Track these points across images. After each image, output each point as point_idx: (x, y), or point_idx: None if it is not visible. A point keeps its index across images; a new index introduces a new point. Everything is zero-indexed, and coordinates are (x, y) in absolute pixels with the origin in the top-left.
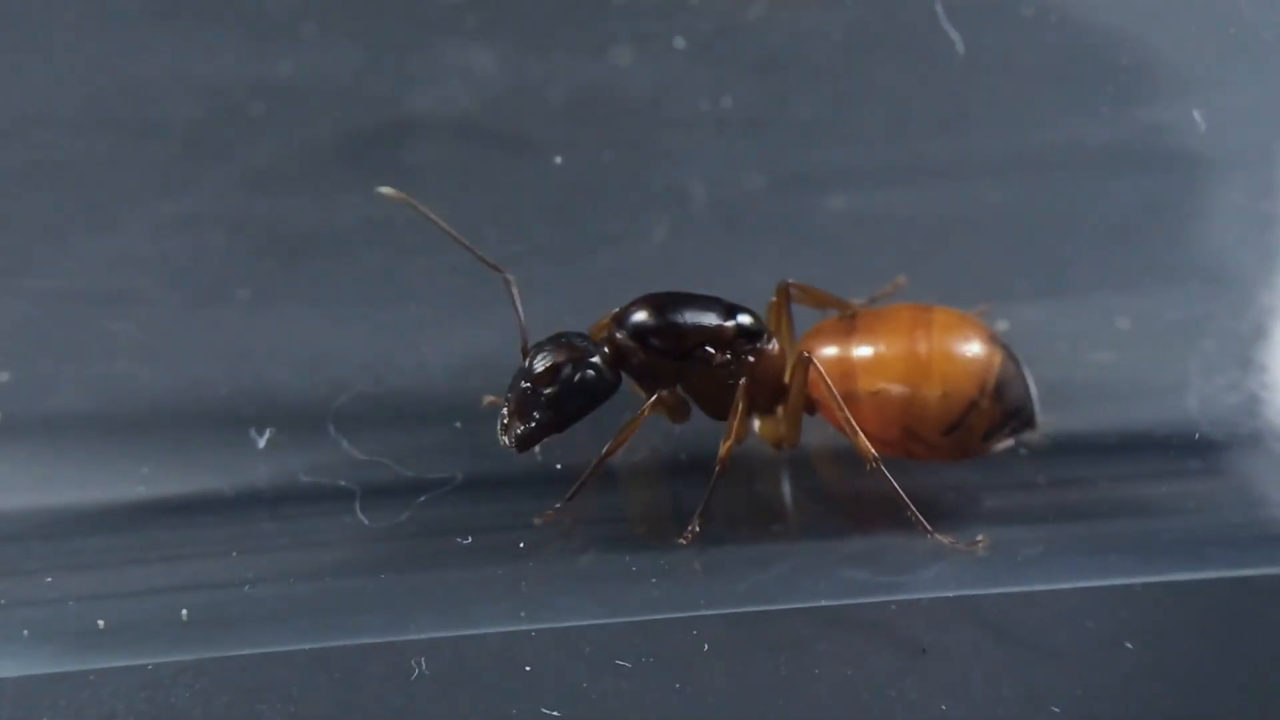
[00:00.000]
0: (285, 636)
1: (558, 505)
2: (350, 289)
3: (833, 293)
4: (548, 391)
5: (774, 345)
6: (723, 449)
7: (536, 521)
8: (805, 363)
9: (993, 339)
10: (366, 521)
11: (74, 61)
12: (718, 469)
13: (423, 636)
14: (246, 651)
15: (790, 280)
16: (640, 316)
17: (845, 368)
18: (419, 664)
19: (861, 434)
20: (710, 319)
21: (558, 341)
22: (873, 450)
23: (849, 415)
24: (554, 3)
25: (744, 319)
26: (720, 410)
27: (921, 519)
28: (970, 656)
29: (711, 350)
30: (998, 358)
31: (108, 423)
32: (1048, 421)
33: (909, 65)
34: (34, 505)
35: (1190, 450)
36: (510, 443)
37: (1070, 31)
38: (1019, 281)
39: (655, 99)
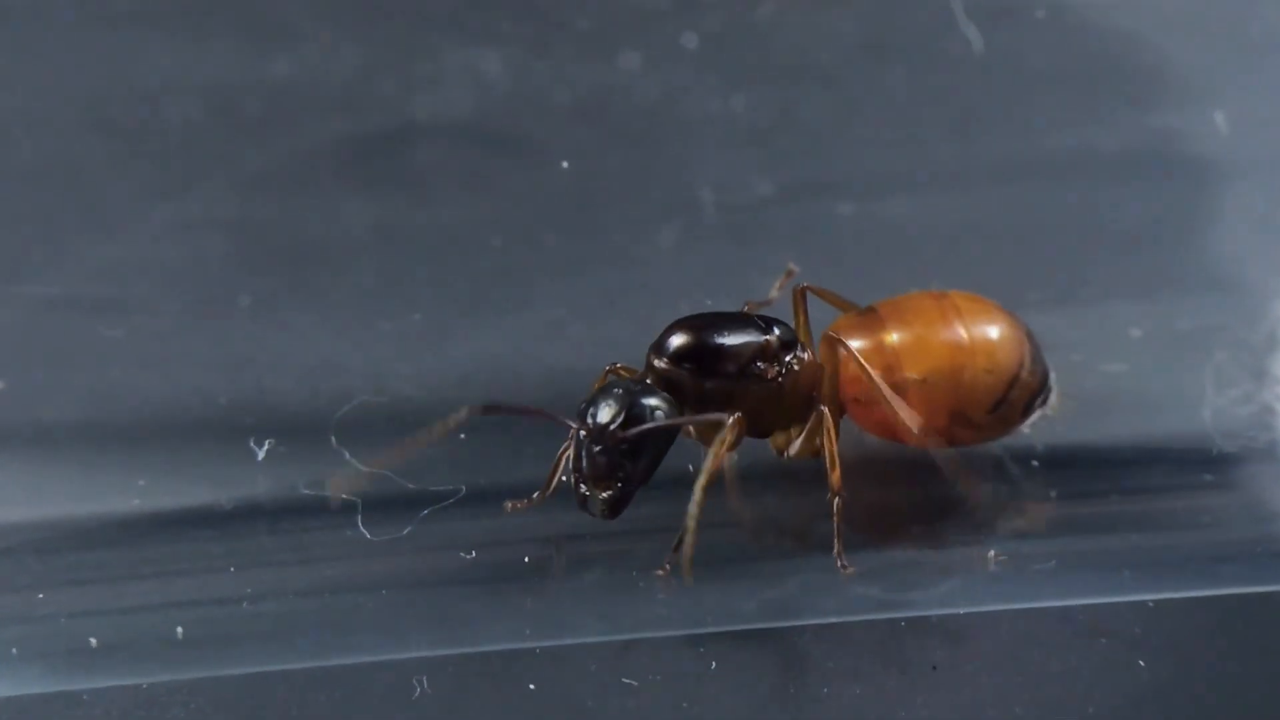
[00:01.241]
0: (284, 655)
1: (666, 564)
2: (354, 297)
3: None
4: (624, 445)
5: (808, 353)
6: (834, 477)
7: (659, 572)
8: (834, 344)
9: (1010, 312)
10: (368, 535)
11: (71, 63)
12: (837, 502)
13: (425, 654)
14: (244, 670)
15: (806, 283)
16: (687, 342)
17: (887, 360)
18: (420, 683)
19: (908, 413)
20: (754, 334)
21: (609, 393)
22: (918, 429)
23: (895, 397)
24: (561, 5)
25: (779, 330)
26: (768, 427)
27: (977, 498)
28: (981, 674)
29: (762, 365)
30: (1024, 329)
31: (102, 433)
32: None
33: (920, 69)
34: (25, 518)
35: (1203, 463)
36: (600, 512)
37: (1084, 35)
38: (1031, 290)
39: (664, 104)
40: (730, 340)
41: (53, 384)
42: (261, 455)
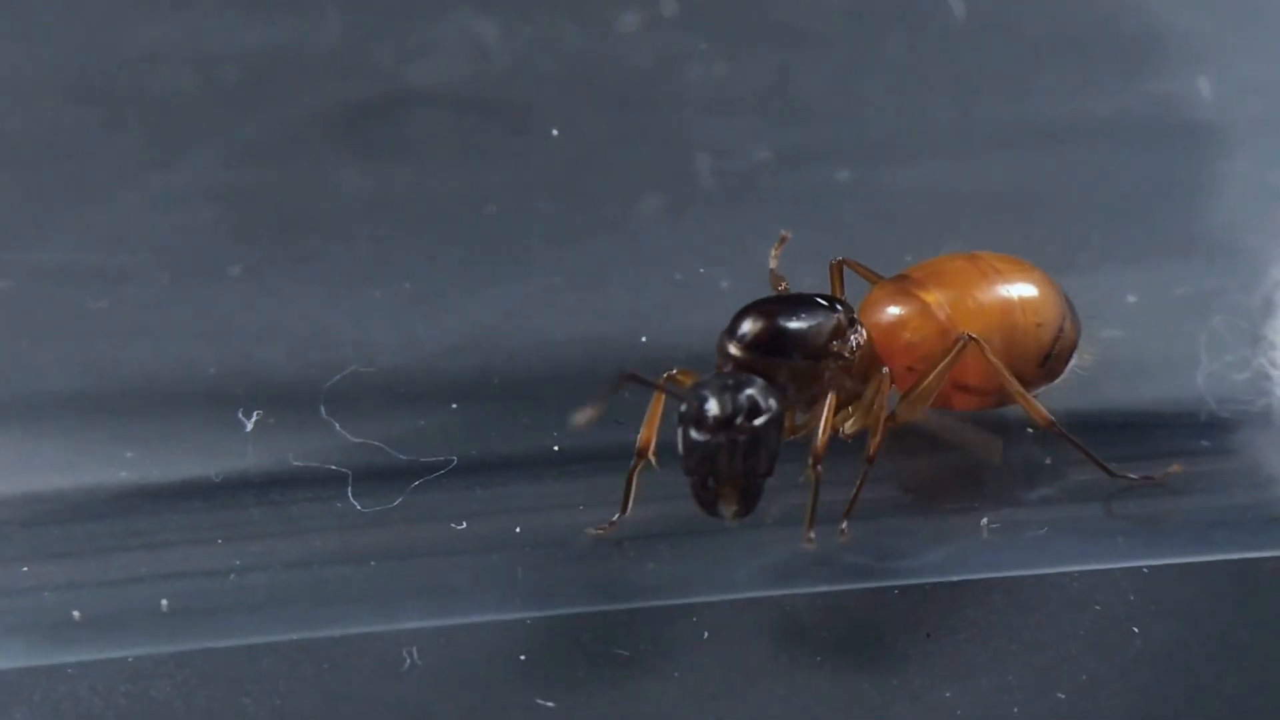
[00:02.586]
0: (272, 627)
1: (811, 535)
2: (344, 266)
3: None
4: (747, 438)
5: (863, 330)
6: (874, 444)
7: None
8: (965, 341)
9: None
10: (359, 506)
11: (59, 30)
12: (865, 469)
13: (414, 626)
14: (231, 643)
15: (844, 257)
16: (766, 327)
17: (940, 324)
18: (410, 654)
19: (1027, 395)
20: (825, 312)
21: (719, 388)
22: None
23: (1009, 378)
24: None
25: (841, 307)
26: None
27: (1105, 465)
28: (974, 642)
29: (838, 344)
30: (1056, 283)
31: (89, 405)
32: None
33: (917, 35)
34: (10, 491)
35: (1199, 429)
36: (736, 515)
37: (1081, 1)
38: (1026, 257)
39: (659, 70)
40: (808, 321)
41: (38, 355)
42: (250, 426)
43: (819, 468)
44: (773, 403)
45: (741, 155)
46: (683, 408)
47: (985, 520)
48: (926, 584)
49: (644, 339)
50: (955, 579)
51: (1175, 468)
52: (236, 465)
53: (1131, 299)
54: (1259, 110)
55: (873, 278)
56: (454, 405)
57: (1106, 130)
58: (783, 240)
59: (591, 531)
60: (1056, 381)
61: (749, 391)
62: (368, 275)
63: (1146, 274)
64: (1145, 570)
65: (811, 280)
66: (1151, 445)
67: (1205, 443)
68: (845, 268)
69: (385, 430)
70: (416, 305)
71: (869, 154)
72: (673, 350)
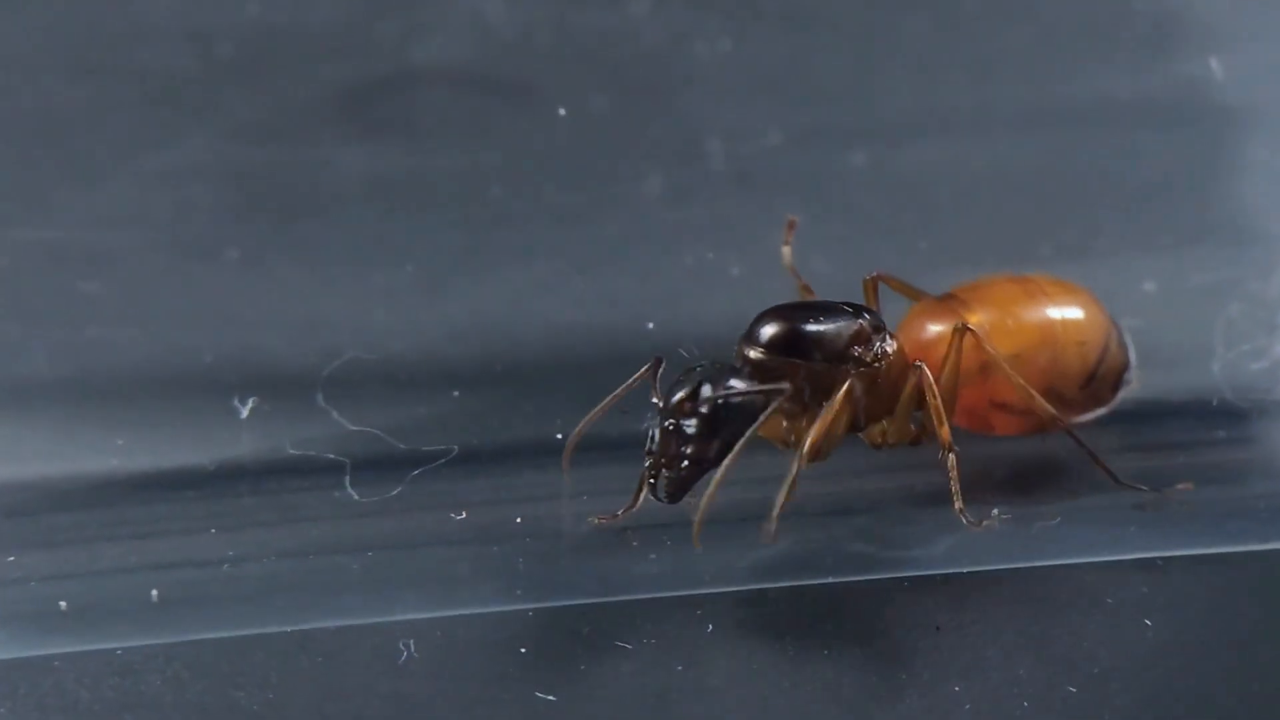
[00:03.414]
0: (265, 618)
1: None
2: (344, 250)
3: (853, 255)
4: (693, 420)
5: (891, 340)
6: (944, 433)
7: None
8: (962, 330)
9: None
10: (356, 496)
11: (55, 6)
12: (951, 458)
13: (412, 617)
14: (223, 634)
15: (879, 271)
16: (782, 328)
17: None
18: (408, 646)
19: (1037, 395)
20: (846, 318)
21: (687, 374)
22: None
23: (940, 408)
24: None
25: (868, 315)
26: (867, 415)
27: (1112, 472)
28: (984, 635)
29: (860, 350)
30: (1104, 307)
31: (80, 391)
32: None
33: (934, 16)
34: None
35: (1214, 419)
36: (662, 494)
37: None
38: (1044, 244)
39: (670, 49)
40: (826, 324)
41: (29, 339)
42: (245, 413)
43: (801, 462)
44: (722, 396)
45: (753, 138)
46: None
47: (995, 511)
48: (936, 576)
49: (651, 325)
50: (966, 571)
51: (1185, 485)
52: (231, 453)
53: (1148, 287)
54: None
55: (910, 292)
56: (455, 393)
57: (1125, 112)
58: (791, 225)
59: (595, 520)
60: (1106, 409)
61: (704, 378)
62: (368, 259)
63: (1164, 261)
64: (1159, 562)
65: (823, 266)
66: (1166, 434)
67: (1221, 432)
68: (880, 283)
69: (384, 418)
70: (418, 290)
71: (883, 137)
72: (680, 337)
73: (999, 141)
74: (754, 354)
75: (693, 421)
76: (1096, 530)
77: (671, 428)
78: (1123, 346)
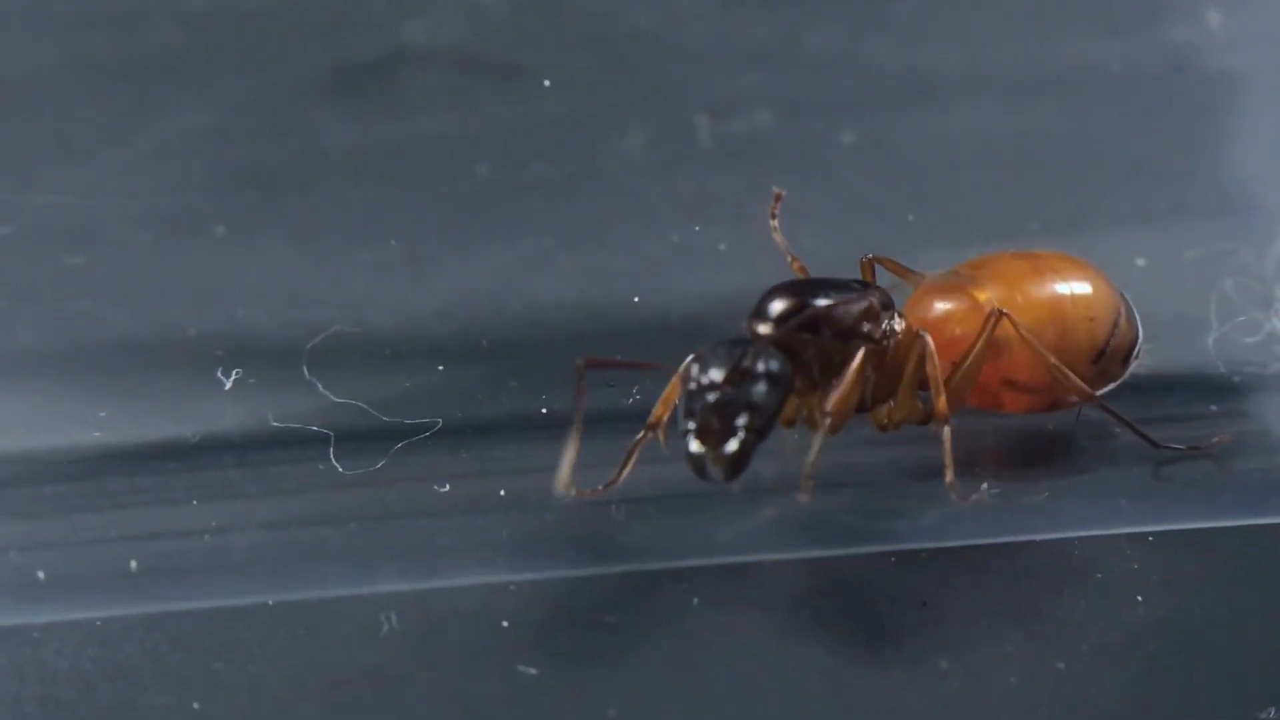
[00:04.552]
0: (245, 589)
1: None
2: (332, 225)
3: (841, 230)
4: (735, 393)
5: (900, 318)
6: (941, 404)
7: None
8: (997, 316)
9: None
10: (340, 468)
11: None
12: (947, 430)
13: (394, 590)
14: (204, 605)
15: (875, 255)
16: (792, 303)
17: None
18: (389, 619)
19: (1068, 372)
20: (855, 293)
21: (718, 345)
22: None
23: (1054, 361)
24: None
25: (875, 293)
26: (876, 395)
27: (1149, 436)
28: (972, 610)
29: (869, 326)
30: (1112, 282)
31: (62, 363)
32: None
33: None
34: None
35: (1207, 393)
36: (724, 477)
37: None
38: (1033, 218)
39: (661, 26)
40: (835, 299)
41: (14, 312)
42: (229, 385)
43: (828, 423)
44: (768, 362)
45: (741, 112)
46: (682, 370)
47: (985, 485)
48: (923, 552)
49: (636, 300)
50: (951, 545)
51: (1224, 437)
52: (214, 426)
53: (1141, 262)
54: (1275, 61)
55: (906, 274)
56: (441, 367)
57: (1118, 81)
58: (778, 198)
59: (580, 492)
60: (1115, 385)
61: (743, 350)
62: (355, 235)
63: (1158, 235)
64: (1150, 537)
65: (812, 241)
66: (1160, 409)
67: (1214, 407)
68: (877, 265)
69: (369, 391)
70: (405, 265)
71: (872, 110)
72: (667, 313)
73: (990, 115)
74: (764, 330)
75: (751, 387)
76: (1087, 505)
77: (720, 401)
78: (1131, 321)
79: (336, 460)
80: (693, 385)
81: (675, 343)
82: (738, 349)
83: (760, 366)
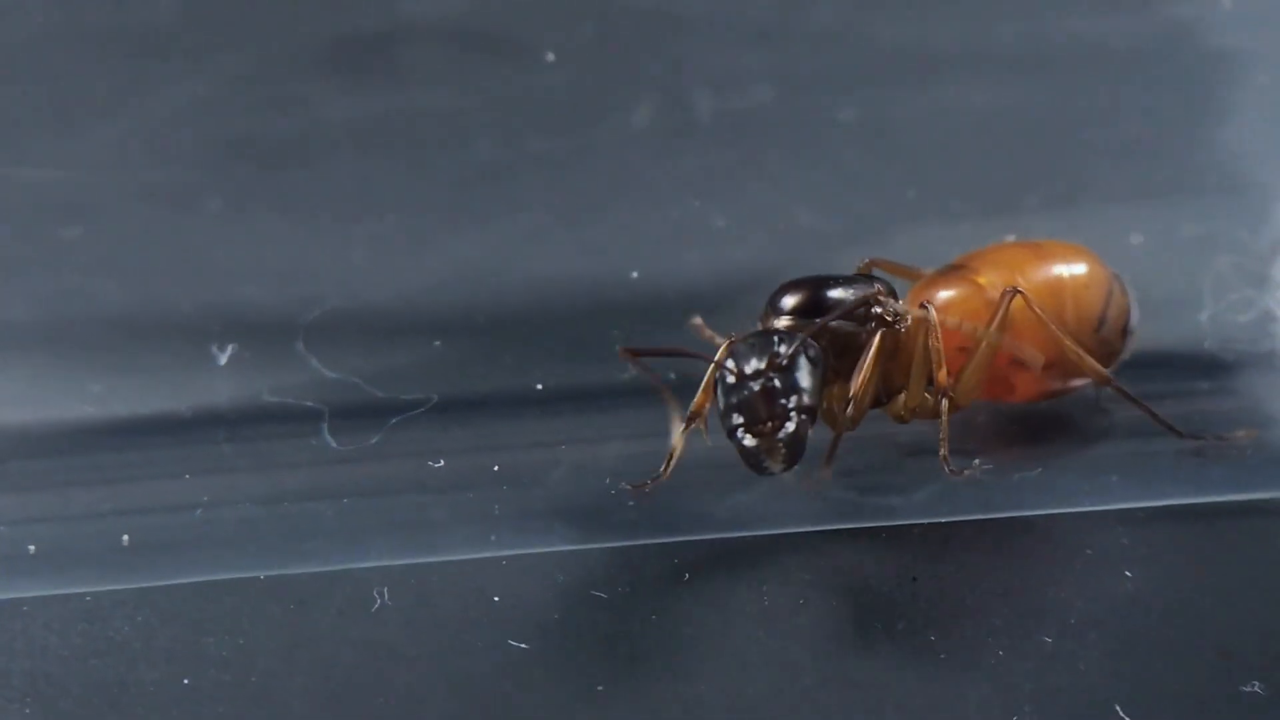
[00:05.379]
0: (236, 563)
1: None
2: (328, 200)
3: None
4: (778, 378)
5: (909, 309)
6: (941, 375)
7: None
8: (1011, 293)
9: None
10: (334, 444)
11: None
12: (945, 402)
13: (386, 564)
14: (194, 579)
15: (872, 257)
16: (804, 293)
17: (989, 303)
18: (381, 594)
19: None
20: (863, 281)
21: (751, 336)
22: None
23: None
24: None
25: (878, 282)
26: (891, 383)
27: (1172, 425)
28: (961, 585)
29: (880, 310)
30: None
31: (55, 336)
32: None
33: None
34: None
35: (1200, 370)
36: (784, 466)
37: None
38: (1030, 194)
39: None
40: (845, 285)
41: (6, 285)
42: (223, 360)
43: (850, 411)
44: (803, 346)
45: (742, 89)
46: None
47: (976, 460)
48: (914, 528)
49: (634, 275)
50: (942, 520)
51: (1249, 431)
52: (208, 400)
53: (1137, 239)
54: (1273, 38)
55: (905, 273)
56: (437, 342)
57: (1117, 56)
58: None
59: (625, 486)
60: (1118, 361)
61: (776, 337)
62: (352, 210)
63: (1154, 212)
64: (1139, 512)
65: (809, 219)
66: (1149, 386)
67: (1206, 384)
68: (875, 269)
69: (364, 367)
70: (401, 240)
71: (870, 86)
72: (664, 289)
73: (988, 90)
74: (780, 323)
75: (795, 370)
76: (1077, 481)
77: (766, 388)
78: (1126, 291)
79: (330, 435)
80: (731, 380)
81: (674, 318)
82: (771, 338)
83: (798, 350)
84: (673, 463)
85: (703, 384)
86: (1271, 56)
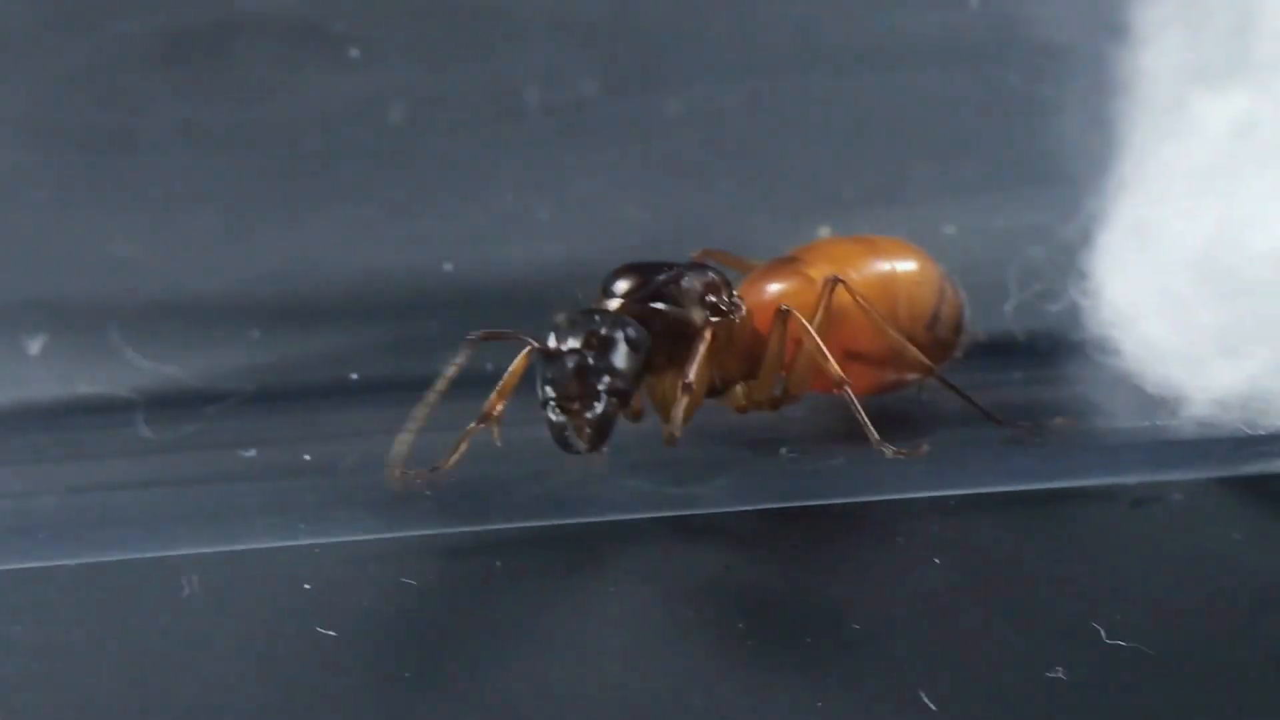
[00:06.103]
0: (42, 551)
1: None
2: (152, 193)
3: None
4: (590, 356)
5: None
6: (831, 368)
7: None
8: (785, 314)
9: None
10: (150, 434)
11: None
12: (848, 390)
13: (195, 551)
14: (2, 568)
15: (705, 248)
16: (638, 276)
17: (820, 297)
18: (190, 582)
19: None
20: (698, 268)
21: (571, 315)
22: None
23: (820, 344)
24: None
25: (713, 272)
26: (726, 374)
27: (990, 414)
28: (773, 573)
29: (715, 299)
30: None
31: None
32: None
33: None
34: None
35: (1011, 360)
36: (589, 446)
37: None
38: (851, 188)
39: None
40: (679, 273)
41: None
42: (36, 350)
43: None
44: (624, 327)
45: (569, 83)
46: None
47: (783, 450)
48: (728, 517)
49: (449, 268)
50: (756, 509)
51: (1067, 419)
52: (20, 392)
53: (950, 230)
54: (1087, 35)
55: (738, 264)
56: (256, 334)
57: (933, 53)
58: None
59: (405, 474)
60: (953, 355)
61: (599, 316)
62: (175, 203)
63: (968, 205)
64: (950, 501)
65: (636, 212)
66: (965, 376)
67: (1018, 374)
68: (708, 259)
69: (181, 358)
70: (223, 234)
71: (697, 81)
72: (483, 280)
73: (816, 84)
74: (615, 304)
75: (612, 350)
76: (884, 470)
77: (580, 365)
78: (957, 290)
79: (145, 425)
80: (550, 355)
81: (491, 310)
82: (592, 316)
83: (617, 332)
84: (456, 456)
85: (498, 386)
86: (1088, 54)
